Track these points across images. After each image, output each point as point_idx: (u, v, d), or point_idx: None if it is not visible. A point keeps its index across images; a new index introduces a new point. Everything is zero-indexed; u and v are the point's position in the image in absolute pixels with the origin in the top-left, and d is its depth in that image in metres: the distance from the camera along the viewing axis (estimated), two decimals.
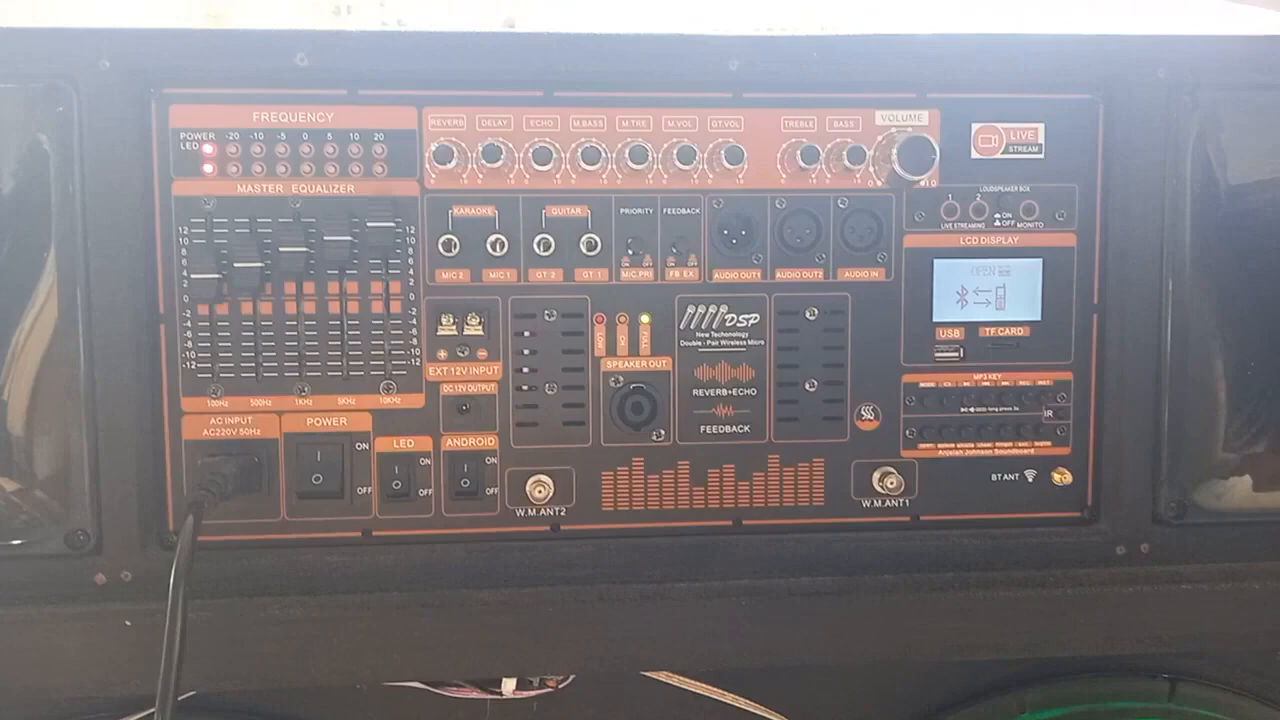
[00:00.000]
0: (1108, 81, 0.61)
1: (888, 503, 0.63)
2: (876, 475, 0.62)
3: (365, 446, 0.60)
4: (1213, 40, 0.61)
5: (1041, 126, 0.61)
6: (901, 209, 0.61)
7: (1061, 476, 0.63)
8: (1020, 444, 0.63)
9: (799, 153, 0.60)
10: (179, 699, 0.51)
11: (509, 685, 0.61)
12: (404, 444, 0.61)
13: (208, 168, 0.59)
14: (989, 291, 0.62)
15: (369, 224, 0.59)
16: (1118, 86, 0.61)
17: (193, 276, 0.58)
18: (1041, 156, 0.61)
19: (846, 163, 0.60)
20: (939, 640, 0.62)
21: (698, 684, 0.65)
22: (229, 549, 0.60)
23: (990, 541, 0.63)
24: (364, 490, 0.61)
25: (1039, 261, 0.62)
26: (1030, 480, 0.63)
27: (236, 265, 0.58)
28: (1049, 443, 0.63)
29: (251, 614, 0.59)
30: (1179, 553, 0.62)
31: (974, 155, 0.61)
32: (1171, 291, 0.61)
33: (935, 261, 0.61)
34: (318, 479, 0.60)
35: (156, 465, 0.59)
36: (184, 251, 0.59)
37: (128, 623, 0.56)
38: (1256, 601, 0.62)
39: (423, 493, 0.61)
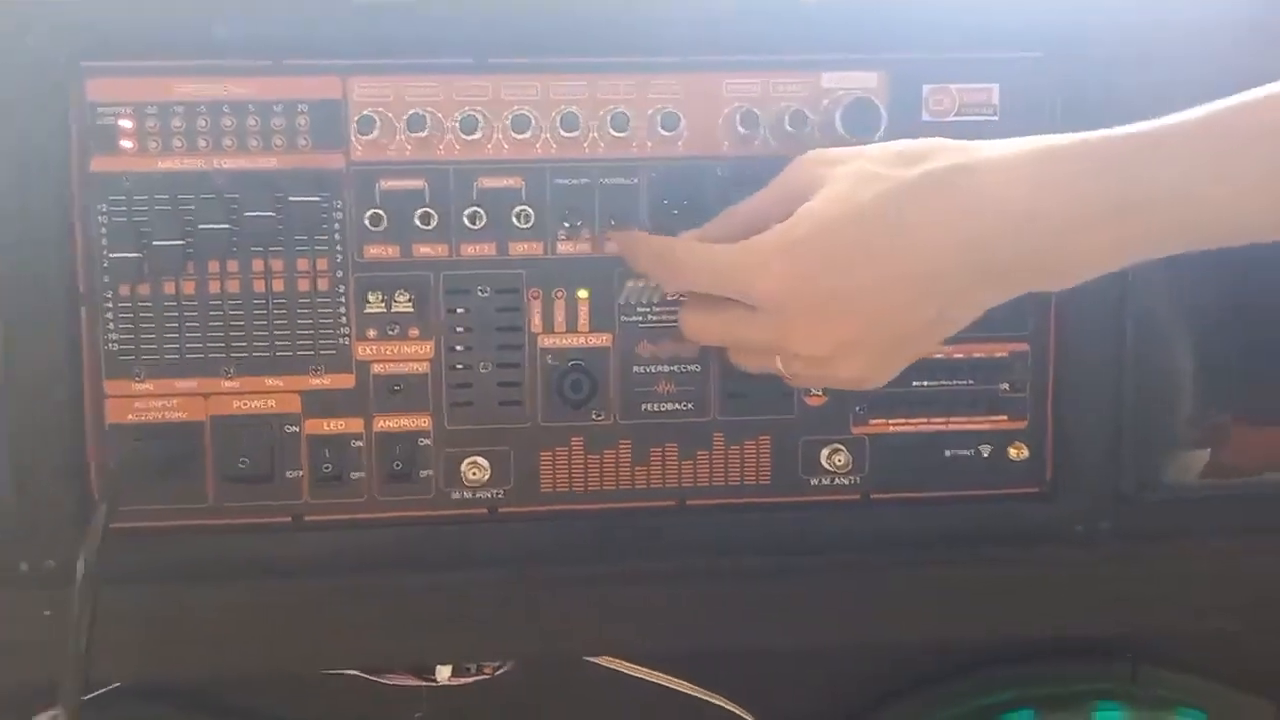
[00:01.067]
0: (1064, 38, 0.58)
1: (837, 480, 0.61)
2: (825, 453, 0.60)
3: (294, 429, 0.59)
4: None
5: (996, 87, 0.59)
6: None
7: (1018, 451, 0.61)
8: (975, 418, 0.61)
9: (739, 118, 0.57)
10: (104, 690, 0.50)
11: (444, 672, 0.60)
12: (334, 426, 0.59)
13: (126, 143, 0.57)
14: None
15: (292, 199, 0.57)
16: (1074, 44, 0.58)
17: (112, 256, 0.56)
18: (996, 118, 0.59)
19: (790, 127, 0.57)
20: (891, 622, 0.61)
21: (640, 668, 0.63)
22: (155, 535, 0.58)
23: (944, 520, 0.61)
24: (294, 474, 0.59)
25: None
26: (985, 456, 0.61)
27: (156, 244, 0.56)
28: (1005, 417, 0.61)
29: (179, 601, 0.58)
30: (1140, 530, 0.60)
31: (925, 118, 0.59)
32: None
33: None
34: (245, 463, 0.58)
35: (78, 450, 0.57)
36: (103, 230, 0.57)
37: (47, 612, 0.55)
38: (1219, 580, 0.60)
39: (354, 476, 0.59)
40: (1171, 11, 0.59)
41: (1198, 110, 0.44)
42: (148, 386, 0.58)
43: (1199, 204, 0.44)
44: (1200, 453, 0.61)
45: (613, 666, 0.63)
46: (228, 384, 0.58)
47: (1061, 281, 0.49)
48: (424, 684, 0.61)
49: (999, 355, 0.60)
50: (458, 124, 0.57)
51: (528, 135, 0.57)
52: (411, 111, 0.57)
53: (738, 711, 0.66)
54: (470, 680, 0.61)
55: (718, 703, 0.64)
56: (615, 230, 0.58)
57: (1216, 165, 0.43)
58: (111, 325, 0.57)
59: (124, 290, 0.57)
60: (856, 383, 0.52)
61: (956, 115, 0.59)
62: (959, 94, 0.59)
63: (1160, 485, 0.60)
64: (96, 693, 0.58)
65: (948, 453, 0.61)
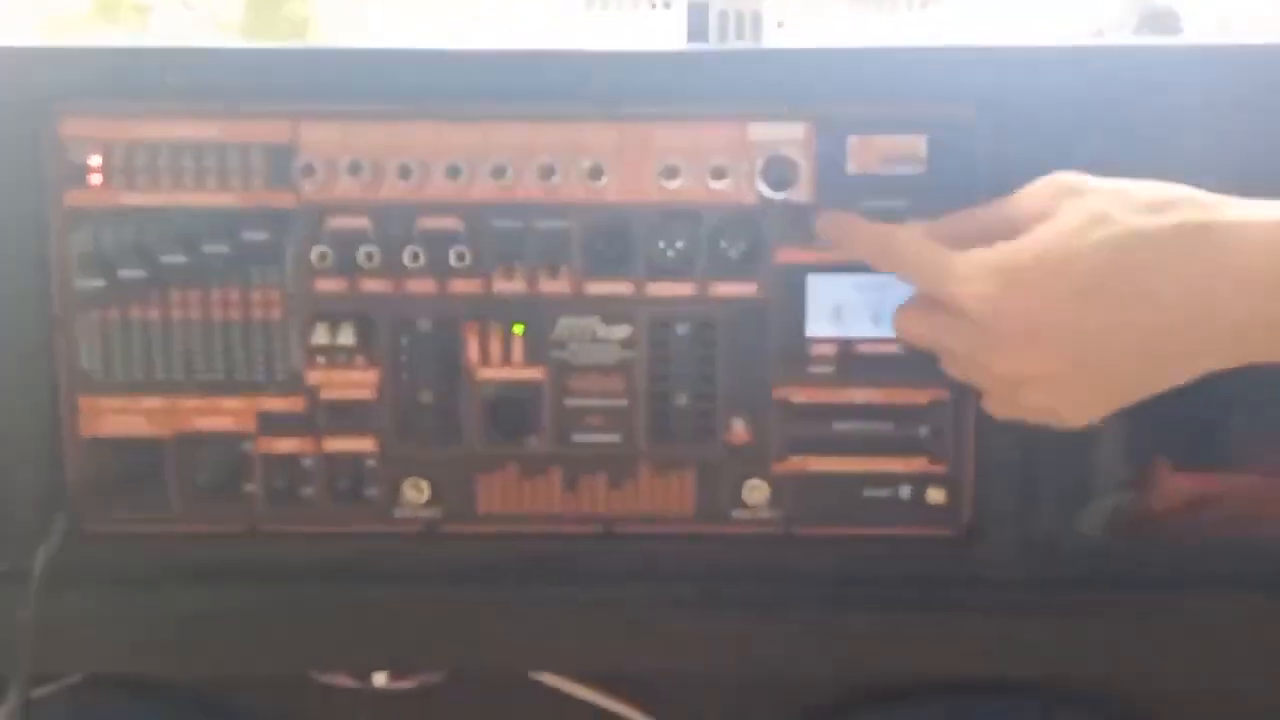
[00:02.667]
0: (992, 91, 0.59)
1: (759, 514, 0.63)
2: (746, 488, 0.63)
3: (250, 447, 0.63)
4: (1106, 50, 0.58)
5: (923, 139, 0.60)
6: (773, 225, 0.60)
7: (937, 494, 0.62)
8: (894, 460, 0.62)
9: (665, 168, 0.59)
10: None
11: (379, 677, 0.64)
12: (286, 445, 0.63)
13: (95, 179, 0.61)
14: (864, 307, 0.61)
15: (245, 235, 0.61)
16: (1003, 95, 0.59)
17: (81, 284, 0.61)
18: (923, 170, 0.60)
19: (713, 179, 0.59)
20: (807, 656, 0.63)
21: (576, 685, 0.67)
22: (122, 541, 0.63)
23: (862, 559, 0.63)
24: (250, 488, 0.63)
25: None
26: (905, 498, 0.63)
27: (121, 274, 0.61)
28: (925, 459, 0.62)
29: (142, 605, 0.63)
30: (1054, 579, 0.62)
31: (850, 170, 0.60)
32: None
33: (809, 276, 0.61)
34: (205, 477, 0.63)
35: (54, 460, 0.63)
36: (75, 260, 0.61)
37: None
38: (1130, 633, 0.61)
39: (305, 492, 0.63)
40: (1107, 70, 0.59)
41: None
42: (117, 403, 0.63)
43: None
44: (1119, 505, 0.62)
45: (545, 680, 0.66)
46: (190, 403, 0.63)
47: None
48: (363, 686, 0.65)
49: (918, 402, 0.62)
50: (401, 168, 0.60)
51: (461, 182, 0.60)
52: (361, 155, 0.60)
53: None
54: (407, 685, 0.65)
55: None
56: (827, 211, 0.59)
57: None
58: (83, 347, 0.62)
59: (94, 315, 0.62)
60: (1047, 416, 0.51)
61: (882, 168, 0.60)
62: (885, 145, 0.59)
63: (1077, 536, 0.61)
64: (58, 684, 0.64)
65: (867, 493, 0.63)
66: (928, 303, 0.53)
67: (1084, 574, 0.62)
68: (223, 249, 0.61)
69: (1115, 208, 0.47)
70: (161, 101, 0.60)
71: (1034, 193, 0.51)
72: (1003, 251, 0.49)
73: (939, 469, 0.62)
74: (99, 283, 0.61)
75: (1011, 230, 0.50)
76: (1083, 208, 0.48)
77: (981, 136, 0.59)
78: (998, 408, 0.54)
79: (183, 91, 0.60)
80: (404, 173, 0.59)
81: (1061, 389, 0.50)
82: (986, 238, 0.50)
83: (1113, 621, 0.62)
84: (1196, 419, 0.61)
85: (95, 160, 0.61)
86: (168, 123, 0.60)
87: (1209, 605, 0.62)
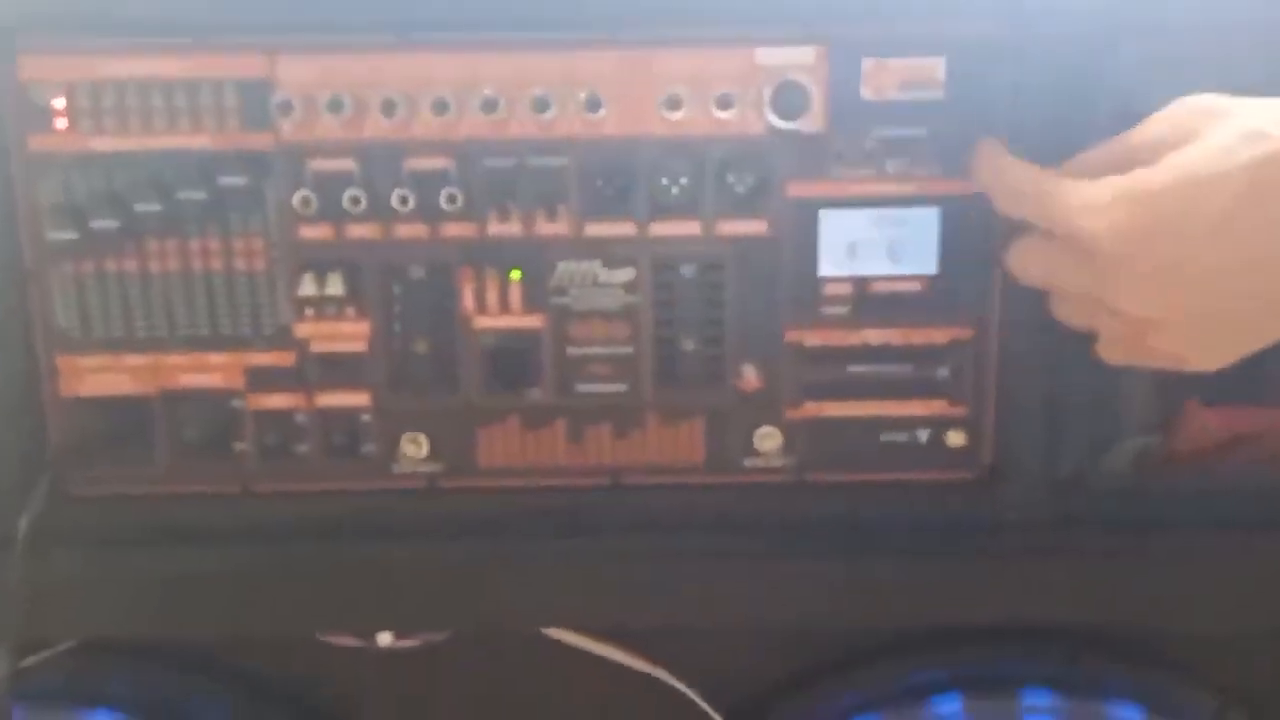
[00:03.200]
0: (1014, 7, 0.55)
1: (770, 463, 0.60)
2: (758, 435, 0.60)
3: (240, 404, 0.60)
4: None
5: (941, 61, 0.56)
6: (784, 157, 0.57)
7: (957, 437, 0.60)
8: (912, 403, 0.60)
9: (668, 98, 0.55)
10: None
11: (384, 637, 0.62)
12: (277, 401, 0.60)
13: (60, 123, 0.57)
14: (880, 244, 0.58)
15: (222, 180, 0.57)
16: (1026, 12, 0.55)
17: (52, 235, 0.58)
18: (941, 96, 0.56)
19: (719, 109, 0.55)
20: (822, 605, 0.61)
21: (582, 638, 0.65)
22: (109, 502, 0.61)
23: (879, 505, 0.60)
24: (241, 446, 0.61)
25: (936, 211, 0.57)
26: (923, 442, 0.60)
27: (93, 225, 0.57)
28: (944, 402, 0.60)
29: (133, 567, 0.61)
30: (1078, 520, 0.59)
31: (864, 95, 0.56)
32: None
33: (821, 212, 0.57)
34: (194, 435, 0.60)
35: (36, 422, 0.60)
36: (44, 211, 0.58)
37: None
38: (1157, 575, 0.59)
39: (299, 449, 0.61)
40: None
41: None
42: (97, 361, 0.60)
43: None
44: (1145, 443, 0.59)
45: (554, 635, 0.65)
46: (175, 359, 0.60)
47: None
48: (364, 646, 0.63)
49: (938, 341, 0.59)
50: (385, 104, 0.56)
51: (450, 117, 0.56)
52: (341, 91, 0.56)
53: (677, 684, 0.68)
54: (412, 643, 0.64)
55: (658, 675, 0.66)
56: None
57: None
58: (60, 302, 0.59)
59: (67, 269, 0.58)
60: (1174, 361, 0.47)
61: (899, 94, 0.56)
62: (901, 69, 0.56)
63: (1102, 475, 0.59)
64: (51, 651, 0.62)
65: (884, 437, 0.60)
66: (1048, 237, 0.48)
67: (1110, 515, 0.59)
68: (199, 195, 0.57)
69: (1271, 125, 0.42)
70: (127, 36, 0.56)
71: (1171, 116, 0.46)
72: (1137, 177, 0.44)
73: (959, 411, 0.60)
74: (71, 234, 0.58)
75: (1150, 158, 0.44)
76: (1233, 126, 0.43)
77: (1003, 58, 0.55)
78: (1117, 353, 0.49)
79: (149, 24, 0.56)
80: (388, 109, 0.56)
81: (1193, 330, 0.45)
82: (1121, 170, 0.45)
83: (1139, 563, 0.60)
84: None
85: (59, 102, 0.57)
86: (134, 59, 0.56)
87: (1237, 545, 0.60)
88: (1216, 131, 0.43)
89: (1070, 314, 0.51)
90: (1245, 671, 0.67)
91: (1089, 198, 0.45)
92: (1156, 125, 0.47)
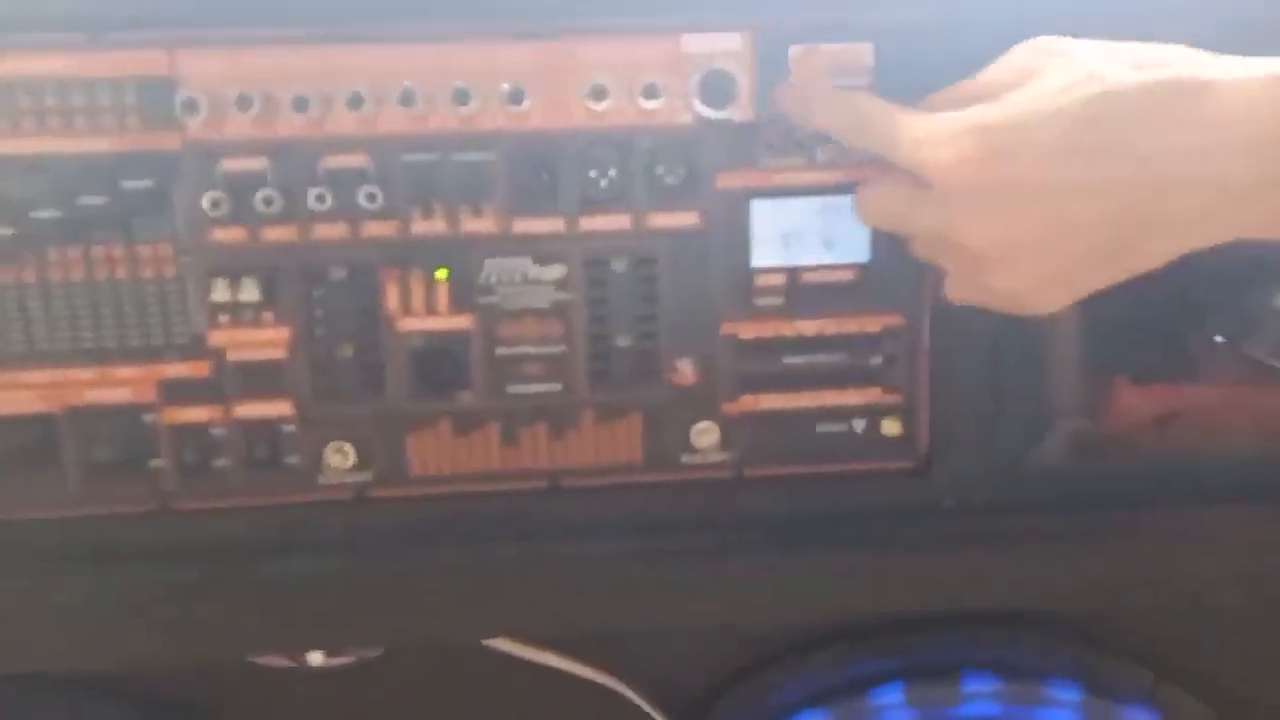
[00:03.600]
0: None
1: (709, 459, 0.60)
2: (695, 431, 0.59)
3: (154, 418, 0.57)
4: None
5: (870, 47, 0.55)
6: (713, 147, 0.56)
7: (892, 426, 0.59)
8: (848, 392, 0.59)
9: (592, 88, 0.54)
10: None
11: (315, 656, 0.60)
12: (193, 415, 0.58)
13: None
14: (813, 233, 0.57)
15: (125, 184, 0.54)
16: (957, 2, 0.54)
17: None
18: (870, 82, 0.55)
19: (645, 99, 0.54)
20: (764, 600, 0.61)
21: (520, 645, 0.64)
22: (19, 527, 0.58)
23: (817, 497, 0.60)
24: (157, 463, 0.58)
25: None
26: (859, 431, 0.60)
27: None
28: (879, 389, 0.59)
29: (44, 594, 0.58)
30: (1014, 506, 0.59)
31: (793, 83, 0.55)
32: None
33: (753, 203, 0.56)
34: (106, 453, 0.57)
35: None
36: None
37: None
38: (1095, 557, 0.59)
39: (218, 464, 0.58)
40: None
41: None
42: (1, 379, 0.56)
43: None
44: (1080, 429, 0.60)
45: (494, 646, 0.63)
46: (81, 374, 0.57)
47: None
48: (295, 666, 0.61)
49: (871, 330, 0.58)
50: (297, 100, 0.54)
51: (366, 112, 0.54)
52: (251, 88, 0.53)
53: (621, 688, 0.67)
54: (344, 663, 0.61)
55: (602, 680, 0.65)
56: (786, 82, 0.54)
57: None
58: None
59: None
60: (1013, 299, 0.48)
61: (828, 79, 0.55)
62: (829, 55, 0.55)
63: (1037, 462, 0.59)
64: None
65: (820, 428, 0.60)
66: (895, 177, 0.49)
67: (1046, 499, 0.60)
68: (101, 200, 0.54)
69: (1106, 64, 0.44)
70: (14, 33, 0.53)
71: (1014, 58, 0.48)
72: (979, 111, 0.46)
73: (894, 399, 0.59)
74: None
75: (994, 97, 0.46)
76: (1070, 64, 0.45)
77: (932, 43, 0.55)
78: (961, 289, 0.51)
79: (40, 20, 0.52)
80: (300, 105, 0.53)
81: (1030, 264, 0.46)
82: (967, 107, 0.47)
83: (1077, 545, 0.60)
84: (1156, 334, 0.60)
85: None
86: (25, 58, 0.53)
87: (1172, 525, 0.60)
88: (1054, 69, 0.45)
89: (923, 251, 0.52)
90: (1181, 649, 0.68)
91: (932, 130, 0.47)
92: (1000, 67, 0.49)
